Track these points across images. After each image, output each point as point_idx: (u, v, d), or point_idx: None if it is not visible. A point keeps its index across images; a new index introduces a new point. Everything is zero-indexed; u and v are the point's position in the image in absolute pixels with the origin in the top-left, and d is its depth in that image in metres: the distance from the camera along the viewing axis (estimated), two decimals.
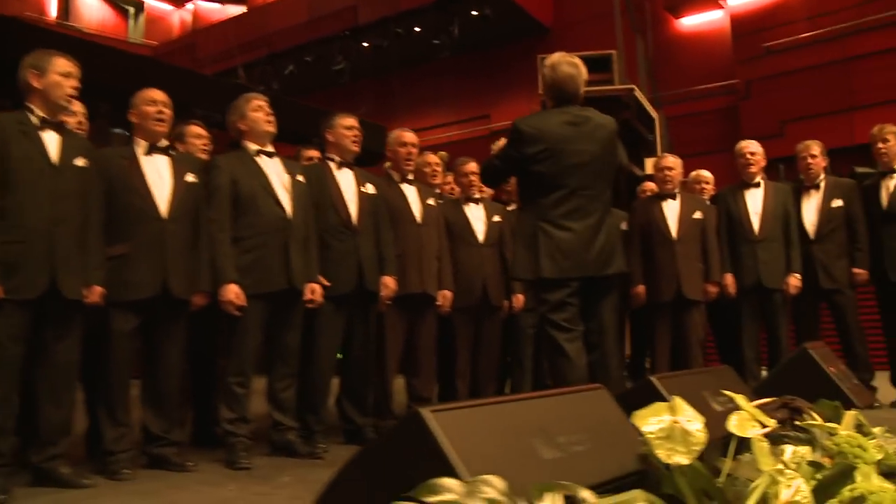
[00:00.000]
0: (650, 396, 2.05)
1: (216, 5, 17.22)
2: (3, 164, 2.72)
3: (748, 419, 1.58)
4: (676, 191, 4.75)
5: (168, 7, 17.73)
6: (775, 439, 2.45)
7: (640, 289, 4.69)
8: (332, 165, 3.74)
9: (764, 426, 1.63)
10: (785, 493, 1.44)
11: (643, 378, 2.26)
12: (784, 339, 4.67)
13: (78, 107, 3.26)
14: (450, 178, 4.86)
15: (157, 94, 3.24)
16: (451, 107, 12.46)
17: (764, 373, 4.59)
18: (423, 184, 4.38)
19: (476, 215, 4.40)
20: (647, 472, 1.64)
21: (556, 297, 3.10)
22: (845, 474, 1.63)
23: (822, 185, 4.75)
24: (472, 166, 4.37)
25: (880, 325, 4.73)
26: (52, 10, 15.99)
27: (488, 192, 4.75)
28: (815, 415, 2.70)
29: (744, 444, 1.62)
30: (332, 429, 3.80)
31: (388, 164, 4.29)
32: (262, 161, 3.41)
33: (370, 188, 3.81)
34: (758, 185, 4.75)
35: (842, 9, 9.27)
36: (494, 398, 1.56)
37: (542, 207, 3.17)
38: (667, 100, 10.24)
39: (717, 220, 4.80)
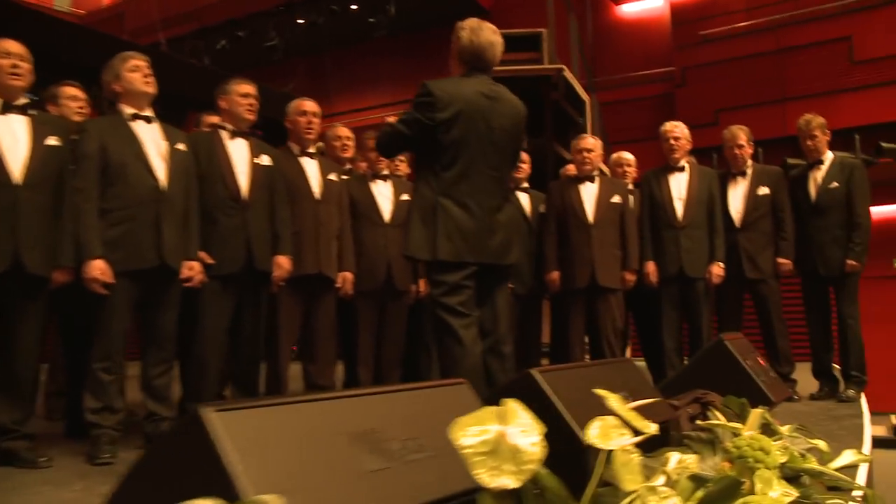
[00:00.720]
0: (529, 393, 1.81)
1: None
2: None
3: (614, 426, 1.30)
4: (595, 173, 4.53)
5: None
6: (676, 441, 2.27)
7: (555, 275, 4.48)
8: (224, 134, 3.44)
9: (638, 433, 1.34)
10: None
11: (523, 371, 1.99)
12: (706, 329, 4.52)
13: None
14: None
15: (12, 46, 2.87)
16: (389, 88, 12.05)
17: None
18: (333, 158, 4.11)
19: (383, 193, 4.13)
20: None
21: (452, 279, 2.86)
22: (731, 490, 1.42)
23: (749, 172, 4.60)
24: None
25: (803, 317, 4.63)
26: None
27: (404, 169, 4.48)
28: (718, 414, 2.53)
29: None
30: None
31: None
32: (138, 126, 3.08)
33: (265, 160, 3.51)
34: (682, 168, 4.57)
35: (778, 1, 9.32)
36: (309, 395, 1.29)
37: (444, 182, 2.92)
38: (603, 85, 10.13)
39: (640, 204, 4.62)
